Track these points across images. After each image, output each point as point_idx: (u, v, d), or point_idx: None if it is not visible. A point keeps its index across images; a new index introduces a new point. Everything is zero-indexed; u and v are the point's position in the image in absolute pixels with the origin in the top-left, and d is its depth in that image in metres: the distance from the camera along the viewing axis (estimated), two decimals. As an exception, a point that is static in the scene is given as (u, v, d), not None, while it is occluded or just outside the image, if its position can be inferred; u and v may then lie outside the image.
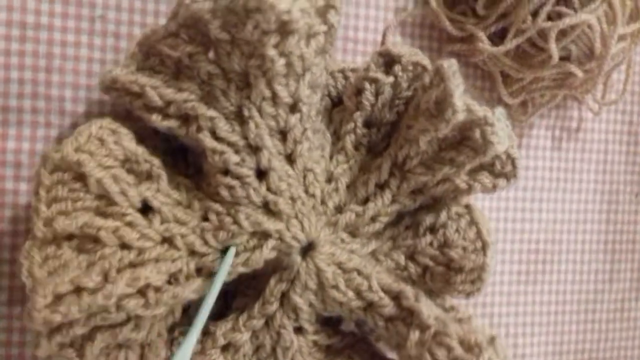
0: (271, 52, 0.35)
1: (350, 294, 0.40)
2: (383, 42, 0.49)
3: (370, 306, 0.40)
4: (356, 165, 0.42)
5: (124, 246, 0.36)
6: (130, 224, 0.36)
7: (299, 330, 0.41)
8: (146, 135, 0.39)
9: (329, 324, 0.43)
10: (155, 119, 0.37)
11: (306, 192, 0.40)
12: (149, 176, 0.38)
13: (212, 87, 0.37)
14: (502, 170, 0.41)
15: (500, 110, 0.39)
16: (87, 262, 0.35)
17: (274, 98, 0.37)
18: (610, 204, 0.58)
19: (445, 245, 0.43)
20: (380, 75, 0.41)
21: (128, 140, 0.37)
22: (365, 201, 0.41)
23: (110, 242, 0.35)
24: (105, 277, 0.34)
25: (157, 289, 0.35)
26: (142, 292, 0.35)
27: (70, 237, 0.35)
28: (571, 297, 0.57)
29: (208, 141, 0.37)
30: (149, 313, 0.36)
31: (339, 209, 0.42)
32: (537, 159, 0.55)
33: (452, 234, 0.43)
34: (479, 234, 0.43)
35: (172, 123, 0.37)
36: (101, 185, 0.36)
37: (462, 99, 0.38)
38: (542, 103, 0.52)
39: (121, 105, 0.40)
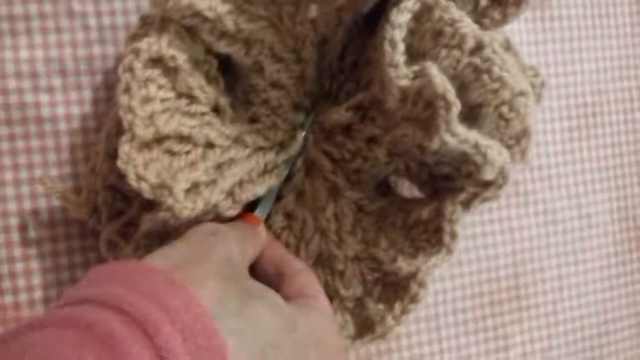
0: None
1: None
2: None
3: None
4: None
5: (209, 145, 0.36)
6: (209, 124, 0.36)
7: (334, 191, 0.40)
8: None
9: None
10: (223, 44, 0.36)
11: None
12: (213, 78, 0.37)
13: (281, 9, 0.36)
14: None
15: None
16: (185, 162, 0.34)
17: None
18: (652, 42, 0.55)
19: None
20: None
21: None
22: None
23: (200, 142, 0.35)
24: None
25: (240, 186, 0.36)
26: (230, 191, 0.36)
27: (159, 139, 0.34)
28: (627, 149, 0.54)
29: (268, 62, 0.37)
30: (231, 213, 0.36)
31: None
32: (570, 7, 0.52)
33: None
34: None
35: (236, 47, 0.36)
36: (187, 82, 0.35)
37: None
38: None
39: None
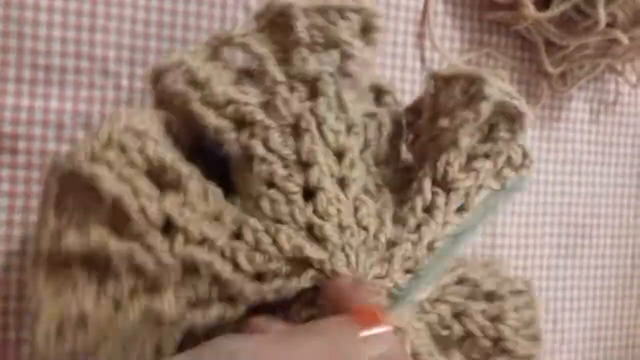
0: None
1: None
2: (425, 9, 0.49)
3: None
4: (387, 201, 0.37)
5: (139, 271, 0.30)
6: (149, 247, 0.30)
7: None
8: (176, 128, 0.35)
9: None
10: (210, 115, 0.33)
11: (357, 223, 0.34)
12: (174, 187, 0.32)
13: (274, 94, 0.34)
14: (521, 163, 0.38)
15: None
16: (97, 286, 0.30)
17: (340, 111, 0.35)
18: (647, 177, 0.57)
19: (499, 320, 0.39)
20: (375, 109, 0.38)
21: (154, 146, 0.32)
22: (418, 228, 0.35)
23: (123, 268, 0.30)
24: (117, 304, 0.30)
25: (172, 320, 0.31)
26: (156, 320, 0.30)
27: (82, 254, 0.31)
28: (609, 272, 0.56)
29: (259, 149, 0.33)
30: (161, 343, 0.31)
31: (392, 243, 0.35)
32: (576, 131, 0.54)
33: (509, 310, 0.39)
34: (534, 321, 0.40)
35: (225, 124, 0.34)
36: (118, 202, 0.30)
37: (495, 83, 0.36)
38: (580, 75, 0.52)
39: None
